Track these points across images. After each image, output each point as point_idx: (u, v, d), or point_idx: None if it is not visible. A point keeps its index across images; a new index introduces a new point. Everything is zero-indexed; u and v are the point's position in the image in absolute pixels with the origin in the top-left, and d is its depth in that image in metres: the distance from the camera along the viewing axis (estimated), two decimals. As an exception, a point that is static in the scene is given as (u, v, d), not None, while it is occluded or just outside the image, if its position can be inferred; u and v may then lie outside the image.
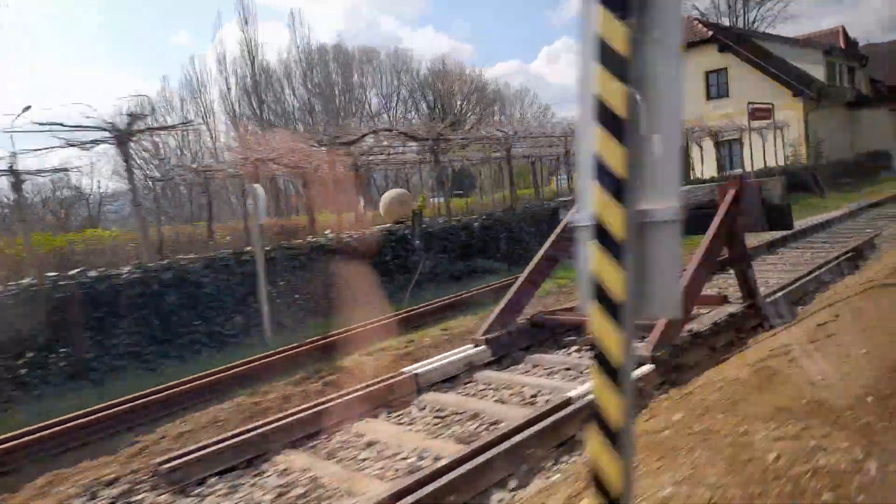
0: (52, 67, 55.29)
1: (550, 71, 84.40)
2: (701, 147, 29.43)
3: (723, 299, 6.32)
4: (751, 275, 6.22)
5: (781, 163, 24.34)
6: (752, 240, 12.09)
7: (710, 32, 28.44)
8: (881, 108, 31.16)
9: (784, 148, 24.21)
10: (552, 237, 6.83)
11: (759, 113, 17.65)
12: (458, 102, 68.84)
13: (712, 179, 20.26)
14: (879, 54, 46.03)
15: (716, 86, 29.37)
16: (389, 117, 68.67)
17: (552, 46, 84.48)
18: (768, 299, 6.48)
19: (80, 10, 59.21)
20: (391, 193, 13.51)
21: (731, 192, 6.08)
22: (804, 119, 26.72)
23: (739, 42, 28.75)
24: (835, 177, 23.90)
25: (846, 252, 9.21)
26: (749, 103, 17.59)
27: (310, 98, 50.44)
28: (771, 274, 8.87)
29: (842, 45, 35.93)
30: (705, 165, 29.22)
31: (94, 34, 61.19)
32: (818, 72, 29.73)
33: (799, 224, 14.36)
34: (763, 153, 25.62)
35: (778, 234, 12.37)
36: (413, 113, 68.31)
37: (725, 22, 48.01)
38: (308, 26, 65.78)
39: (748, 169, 26.43)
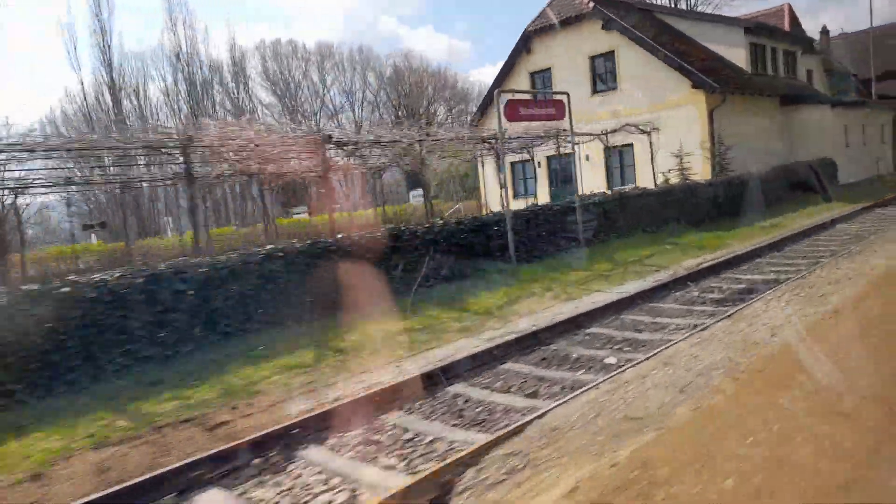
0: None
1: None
2: (587, 154, 22.70)
3: None
4: None
5: (666, 179, 17.56)
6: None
7: (592, 4, 21.63)
8: (822, 105, 24.31)
9: (653, 158, 17.42)
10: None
11: (525, 109, 10.64)
12: (426, 101, 63.24)
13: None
14: (858, 45, 39.30)
15: (603, 74, 22.60)
16: (355, 116, 63.65)
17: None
18: None
19: None
20: None
21: None
22: (708, 117, 19.94)
23: (629, 17, 21.96)
24: (735, 199, 17.13)
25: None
26: (498, 91, 10.73)
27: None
28: None
29: (786, 26, 29.13)
30: (594, 178, 22.50)
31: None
32: (739, 56, 22.96)
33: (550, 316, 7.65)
34: (653, 164, 18.92)
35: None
36: (377, 112, 63.27)
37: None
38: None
39: (639, 184, 19.73)
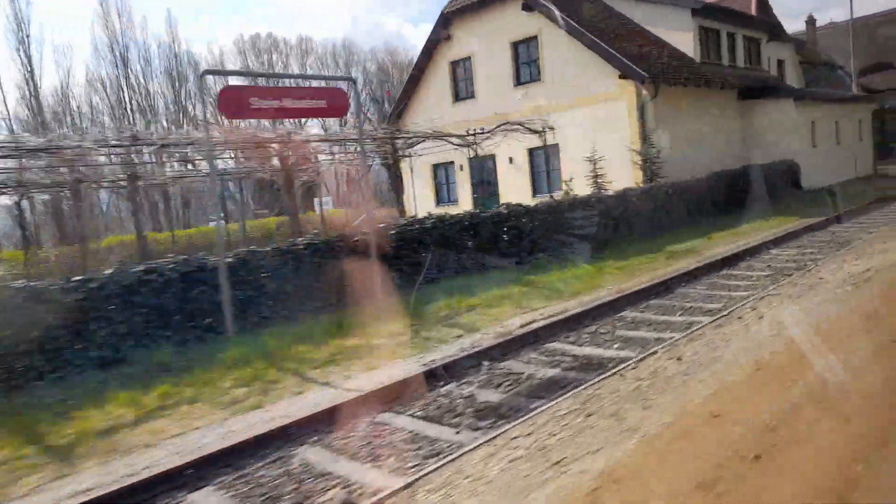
0: None
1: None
2: (511, 157, 19.65)
3: None
4: None
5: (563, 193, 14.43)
6: None
7: (511, -19, 18.52)
8: (784, 99, 21.17)
9: (549, 165, 14.33)
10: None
11: (260, 101, 7.14)
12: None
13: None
14: (853, 34, 36.02)
15: (527, 64, 19.51)
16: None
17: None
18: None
19: None
20: None
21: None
22: (638, 113, 16.85)
23: (555, -5, 18.82)
24: (653, 214, 14.09)
25: None
26: (204, 72, 7.60)
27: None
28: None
29: (753, 10, 25.98)
30: (519, 184, 19.48)
31: None
32: (686, 42, 19.85)
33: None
34: (548, 172, 15.90)
35: None
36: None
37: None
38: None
39: (560, 194, 16.65)
